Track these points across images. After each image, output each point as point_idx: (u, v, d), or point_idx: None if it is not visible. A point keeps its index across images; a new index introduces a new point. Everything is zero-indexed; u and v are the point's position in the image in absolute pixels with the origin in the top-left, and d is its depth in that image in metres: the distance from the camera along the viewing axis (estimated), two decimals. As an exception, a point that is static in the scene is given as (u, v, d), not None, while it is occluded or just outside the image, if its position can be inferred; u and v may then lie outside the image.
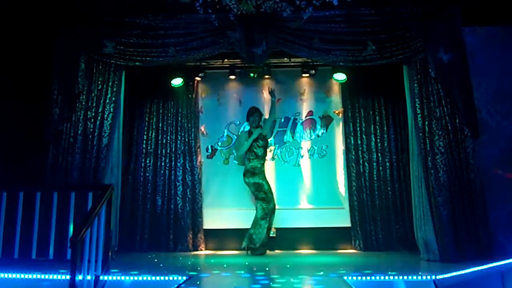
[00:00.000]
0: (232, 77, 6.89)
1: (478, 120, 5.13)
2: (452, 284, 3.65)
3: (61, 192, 4.43)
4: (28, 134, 5.32)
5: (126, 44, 5.48)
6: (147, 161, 6.73)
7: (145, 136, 6.83)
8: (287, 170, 6.78)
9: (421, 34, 5.27)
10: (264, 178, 5.95)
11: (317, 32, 5.34)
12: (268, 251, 6.19)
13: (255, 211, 5.91)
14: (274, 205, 5.89)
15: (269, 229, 5.85)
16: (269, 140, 6.45)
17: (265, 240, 5.82)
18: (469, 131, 5.10)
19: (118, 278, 3.77)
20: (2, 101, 5.17)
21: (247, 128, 6.31)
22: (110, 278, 3.73)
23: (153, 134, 6.84)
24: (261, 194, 5.82)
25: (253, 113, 6.07)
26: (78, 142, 5.34)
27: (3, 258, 3.95)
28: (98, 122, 5.42)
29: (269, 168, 6.78)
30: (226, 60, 6.68)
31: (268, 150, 6.63)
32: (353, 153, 6.62)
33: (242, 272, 4.41)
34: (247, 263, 5.00)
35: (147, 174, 6.68)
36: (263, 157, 6.00)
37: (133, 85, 6.10)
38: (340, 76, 6.61)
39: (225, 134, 6.95)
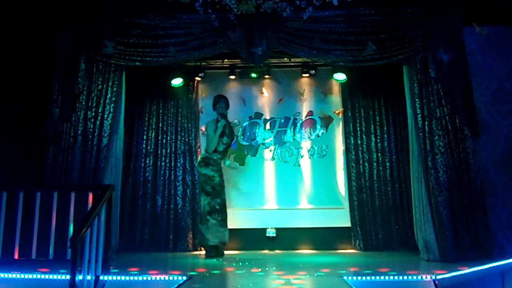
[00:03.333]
0: (232, 77, 6.89)
1: (478, 120, 5.13)
2: (452, 284, 3.66)
3: (61, 192, 4.44)
4: (28, 134, 5.32)
5: (126, 44, 5.48)
6: (147, 161, 6.73)
7: (145, 136, 6.83)
8: (287, 170, 6.78)
9: (421, 34, 5.27)
10: (218, 171, 5.57)
11: (317, 32, 5.34)
12: (267, 251, 6.20)
13: (228, 208, 5.68)
14: (223, 201, 5.56)
15: (220, 226, 5.44)
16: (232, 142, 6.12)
17: (222, 240, 5.46)
18: (469, 131, 5.10)
19: (118, 278, 3.77)
20: (2, 101, 5.18)
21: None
22: (110, 278, 3.73)
23: (153, 134, 6.84)
24: (208, 188, 5.49)
25: (219, 100, 5.71)
26: (78, 142, 5.34)
27: (3, 258, 3.95)
28: (98, 122, 5.42)
29: (269, 168, 6.79)
30: (226, 60, 6.69)
31: (268, 150, 6.65)
32: (353, 153, 6.62)
33: (242, 271, 4.41)
34: (246, 263, 4.99)
35: (147, 174, 6.68)
36: (222, 153, 5.67)
37: (133, 85, 6.10)
38: (340, 76, 6.62)
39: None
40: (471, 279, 3.83)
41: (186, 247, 6.37)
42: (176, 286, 3.58)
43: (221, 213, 5.48)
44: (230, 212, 6.52)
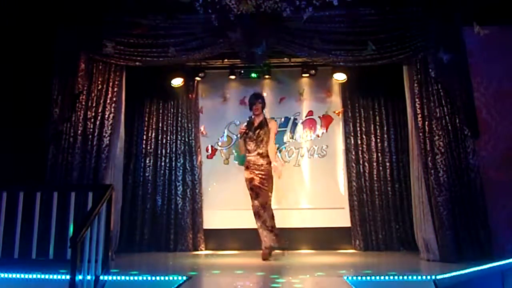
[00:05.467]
0: (232, 77, 6.89)
1: (478, 120, 5.14)
2: (452, 284, 3.66)
3: (61, 192, 4.44)
4: (28, 134, 5.32)
5: (126, 44, 5.48)
6: (147, 161, 6.73)
7: (145, 136, 6.83)
8: (287, 170, 6.76)
9: (421, 34, 5.28)
10: (257, 171, 5.35)
11: (317, 32, 5.34)
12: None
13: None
14: (263, 204, 5.25)
15: (264, 230, 5.21)
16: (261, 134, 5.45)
17: (266, 245, 5.22)
18: (469, 131, 5.10)
19: (118, 278, 3.77)
20: (1, 101, 5.18)
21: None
22: (110, 278, 3.74)
23: (153, 134, 6.84)
24: (249, 191, 5.42)
25: (256, 102, 5.52)
26: (78, 142, 5.34)
27: (3, 258, 3.95)
28: (98, 122, 5.42)
29: (269, 168, 6.79)
30: (226, 60, 6.68)
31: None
32: (353, 153, 6.62)
33: (242, 272, 4.41)
34: (247, 263, 4.99)
35: (147, 174, 6.68)
36: (255, 150, 5.40)
37: (133, 85, 6.09)
38: (340, 76, 6.61)
39: (225, 134, 6.95)
40: (471, 279, 3.82)
41: (186, 247, 6.37)
42: (176, 286, 3.58)
43: (261, 216, 5.24)
44: (230, 212, 6.57)
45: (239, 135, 5.59)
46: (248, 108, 6.00)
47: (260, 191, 5.31)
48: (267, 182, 5.37)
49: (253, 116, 5.55)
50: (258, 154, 5.40)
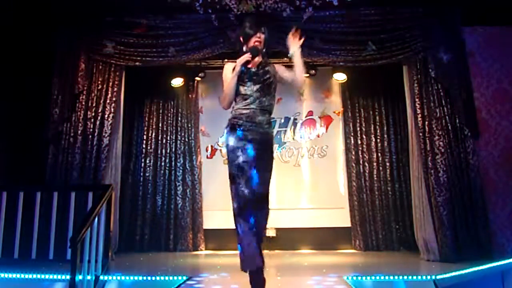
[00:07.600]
0: (232, 77, 6.88)
1: (478, 120, 5.14)
2: (452, 284, 3.65)
3: (61, 192, 4.44)
4: (28, 134, 5.32)
5: (126, 44, 5.48)
6: (147, 161, 6.73)
7: (145, 136, 6.83)
8: (287, 170, 6.77)
9: (421, 34, 5.28)
10: (249, 140, 3.01)
11: (317, 32, 5.34)
12: (267, 251, 6.19)
13: None
14: (261, 190, 3.05)
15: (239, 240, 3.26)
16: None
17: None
18: (469, 131, 5.10)
19: (118, 278, 3.77)
20: (2, 101, 5.18)
21: None
22: (110, 278, 3.74)
23: (153, 134, 6.85)
24: (232, 169, 3.03)
25: (258, 31, 3.45)
26: (78, 142, 5.34)
27: (3, 258, 3.96)
28: (98, 122, 5.42)
29: (269, 168, 6.79)
30: (226, 60, 6.67)
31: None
32: (353, 153, 6.62)
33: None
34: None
35: (147, 174, 6.68)
36: (255, 97, 3.12)
37: (133, 85, 6.10)
38: (340, 76, 6.62)
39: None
40: (471, 279, 3.83)
41: (186, 247, 6.37)
42: (176, 286, 3.57)
43: (243, 216, 3.11)
44: (230, 212, 6.52)
45: (234, 68, 3.19)
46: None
47: (256, 172, 2.98)
48: (269, 155, 3.12)
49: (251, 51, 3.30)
50: (260, 105, 3.12)
